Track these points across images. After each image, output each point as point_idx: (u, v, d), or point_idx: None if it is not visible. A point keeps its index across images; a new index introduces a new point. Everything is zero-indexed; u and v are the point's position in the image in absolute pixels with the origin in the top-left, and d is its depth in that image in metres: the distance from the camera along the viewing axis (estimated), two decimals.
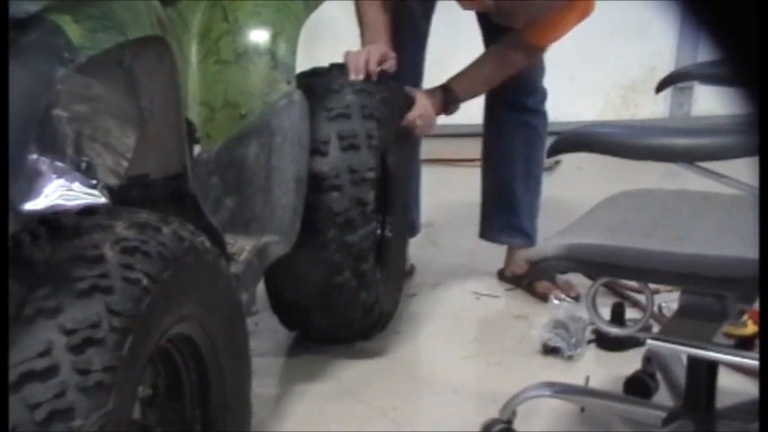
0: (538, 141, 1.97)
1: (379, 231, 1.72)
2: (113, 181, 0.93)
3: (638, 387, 1.43)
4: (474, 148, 2.12)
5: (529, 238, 1.99)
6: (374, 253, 1.61)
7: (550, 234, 1.18)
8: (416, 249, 2.15)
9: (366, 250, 1.55)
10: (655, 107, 3.44)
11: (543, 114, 1.99)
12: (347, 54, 1.65)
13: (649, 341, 1.08)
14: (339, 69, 1.64)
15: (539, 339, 1.71)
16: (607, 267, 1.12)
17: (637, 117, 3.50)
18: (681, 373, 1.26)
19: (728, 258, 0.96)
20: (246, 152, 1.38)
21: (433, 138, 3.25)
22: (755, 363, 1.08)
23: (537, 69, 1.96)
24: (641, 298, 1.79)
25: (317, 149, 1.50)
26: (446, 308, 1.96)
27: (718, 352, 1.06)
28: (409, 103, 1.72)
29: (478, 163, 2.11)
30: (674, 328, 1.11)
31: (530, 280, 1.96)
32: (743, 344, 1.09)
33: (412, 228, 2.11)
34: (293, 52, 1.45)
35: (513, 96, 1.94)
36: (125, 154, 0.97)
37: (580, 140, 0.99)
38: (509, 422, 1.36)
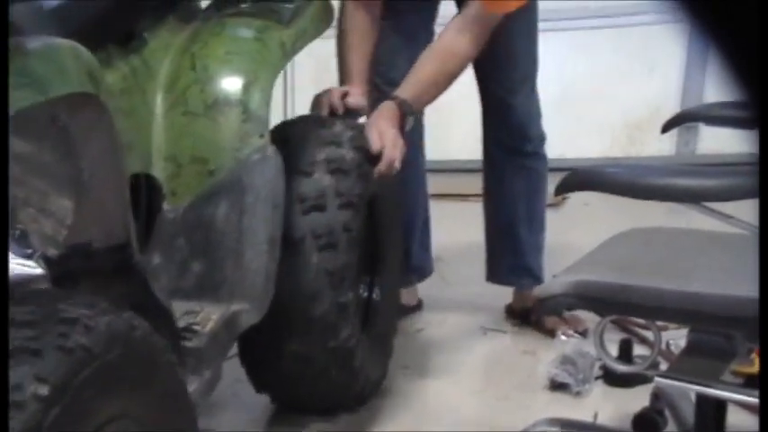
0: (539, 182, 1.99)
1: (365, 294, 1.64)
2: (51, 250, 0.85)
3: (646, 424, 1.43)
4: None
5: (536, 278, 1.99)
6: (359, 316, 1.52)
7: (558, 270, 1.20)
8: (425, 284, 2.17)
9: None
10: (661, 145, 3.47)
11: (543, 157, 1.99)
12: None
13: (657, 378, 1.08)
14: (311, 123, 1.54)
15: (546, 375, 1.72)
16: (615, 305, 1.13)
17: (643, 155, 3.53)
18: (689, 411, 1.27)
19: (735, 298, 0.97)
20: (215, 211, 1.28)
21: (443, 173, 3.28)
22: None
23: (531, 115, 1.94)
24: (649, 334, 1.79)
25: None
26: (454, 343, 1.97)
27: (726, 390, 1.07)
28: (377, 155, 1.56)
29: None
30: (682, 366, 1.12)
31: (538, 316, 1.97)
32: (751, 382, 1.10)
33: (421, 270, 2.11)
34: (267, 103, 1.35)
35: (509, 142, 1.95)
36: (63, 220, 0.88)
37: (589, 180, 1.02)
38: None
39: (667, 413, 1.42)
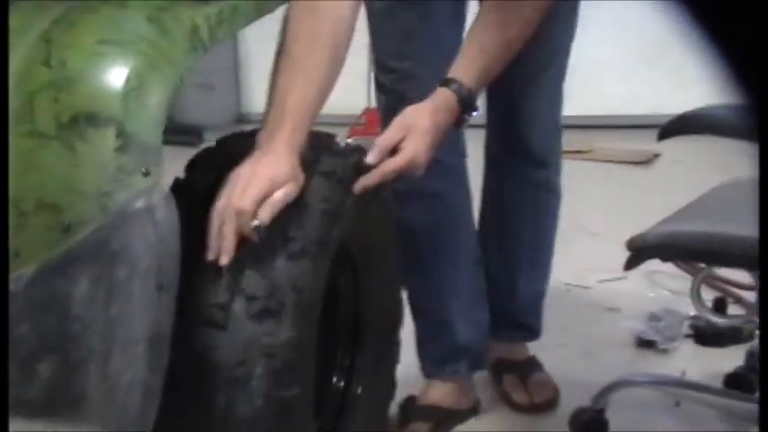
0: (547, 222, 1.54)
1: (341, 384, 1.20)
2: None
3: (739, 383, 1.38)
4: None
5: (531, 332, 1.57)
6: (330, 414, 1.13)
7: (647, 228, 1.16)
8: None
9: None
10: None
11: (555, 191, 1.51)
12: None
13: (758, 332, 1.04)
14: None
15: (631, 332, 1.68)
16: (711, 255, 1.09)
17: None
18: None
19: None
20: (72, 289, 0.85)
21: None
22: None
23: (547, 136, 1.45)
24: (744, 293, 1.73)
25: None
26: None
27: None
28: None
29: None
30: None
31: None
32: None
33: (474, 355, 1.48)
34: (159, 123, 0.89)
35: (517, 170, 1.47)
36: None
37: (696, 122, 0.97)
38: (601, 411, 1.35)
39: None
